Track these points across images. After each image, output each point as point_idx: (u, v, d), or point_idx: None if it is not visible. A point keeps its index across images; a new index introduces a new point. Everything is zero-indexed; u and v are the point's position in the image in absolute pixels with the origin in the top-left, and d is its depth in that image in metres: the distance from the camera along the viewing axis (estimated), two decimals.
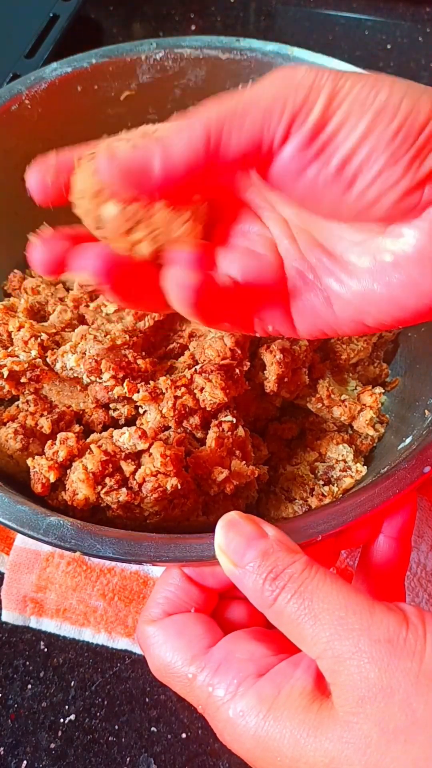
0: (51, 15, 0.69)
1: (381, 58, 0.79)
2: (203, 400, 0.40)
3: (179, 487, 0.37)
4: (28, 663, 0.45)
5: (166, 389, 0.40)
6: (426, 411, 0.40)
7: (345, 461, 0.42)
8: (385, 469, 0.36)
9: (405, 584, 0.46)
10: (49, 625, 0.46)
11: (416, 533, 0.48)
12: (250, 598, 0.29)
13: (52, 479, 0.38)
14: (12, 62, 0.65)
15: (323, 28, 0.82)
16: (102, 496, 0.37)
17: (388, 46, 0.80)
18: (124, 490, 0.37)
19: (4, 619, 0.46)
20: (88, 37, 0.79)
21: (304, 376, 0.44)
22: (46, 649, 0.46)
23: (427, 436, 0.37)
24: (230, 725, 0.28)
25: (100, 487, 0.37)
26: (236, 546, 0.29)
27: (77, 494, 0.37)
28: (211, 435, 0.40)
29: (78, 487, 0.37)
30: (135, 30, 0.82)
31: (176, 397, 0.39)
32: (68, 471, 0.38)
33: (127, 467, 0.38)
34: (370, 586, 0.35)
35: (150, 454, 0.38)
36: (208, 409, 0.40)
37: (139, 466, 0.38)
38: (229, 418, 0.41)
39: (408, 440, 0.39)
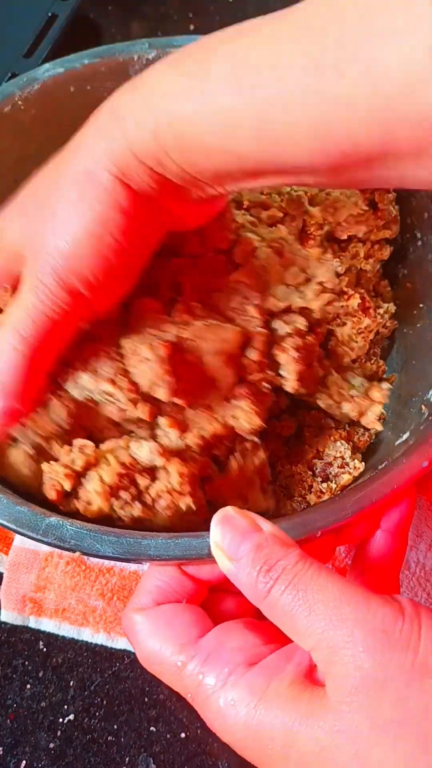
0: (49, 15, 0.69)
1: None
2: (238, 428, 0.38)
3: (194, 508, 0.36)
4: (27, 663, 0.45)
5: None
6: (423, 407, 0.40)
7: (343, 458, 0.42)
8: (383, 465, 0.36)
9: (404, 584, 0.46)
10: (48, 624, 0.46)
11: (415, 532, 0.48)
12: (244, 592, 0.29)
13: (68, 488, 0.36)
14: (10, 62, 0.65)
15: None
16: (116, 510, 0.36)
17: None
18: (138, 504, 0.36)
19: (3, 618, 0.46)
20: (87, 36, 0.79)
21: (318, 370, 0.43)
22: (45, 649, 0.46)
23: (424, 431, 0.37)
24: (221, 715, 0.28)
25: (114, 500, 0.36)
26: (231, 540, 0.29)
27: (91, 505, 0.36)
28: (234, 464, 0.38)
29: (93, 498, 0.35)
30: (133, 30, 0.82)
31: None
32: (82, 479, 0.37)
33: (142, 481, 0.36)
34: (365, 580, 0.35)
35: (167, 471, 0.36)
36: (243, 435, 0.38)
37: (153, 480, 0.36)
38: (254, 438, 0.39)
39: (405, 436, 0.39)
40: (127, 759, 0.42)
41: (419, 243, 0.47)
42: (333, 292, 0.43)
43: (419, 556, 0.47)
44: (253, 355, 0.39)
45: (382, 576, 0.35)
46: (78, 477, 0.36)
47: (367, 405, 0.44)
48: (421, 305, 0.46)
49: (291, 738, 0.26)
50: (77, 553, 0.33)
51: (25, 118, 0.47)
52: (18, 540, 0.48)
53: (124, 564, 0.47)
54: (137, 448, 0.37)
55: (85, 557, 0.46)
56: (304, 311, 0.42)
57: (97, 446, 0.37)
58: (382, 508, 0.35)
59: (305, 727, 0.26)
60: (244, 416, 0.38)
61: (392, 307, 0.48)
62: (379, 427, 0.44)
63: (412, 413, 0.41)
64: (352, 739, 0.25)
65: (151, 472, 0.37)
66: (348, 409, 0.44)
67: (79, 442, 0.37)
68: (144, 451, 0.36)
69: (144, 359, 0.36)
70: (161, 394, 0.36)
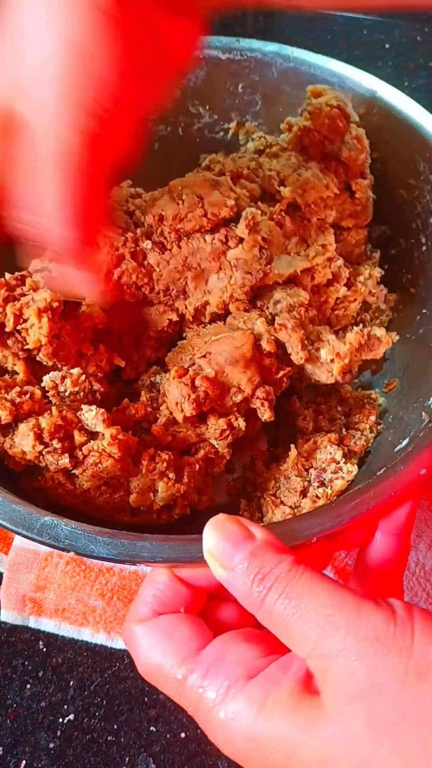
0: None
1: (379, 58, 0.79)
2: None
3: (117, 473, 0.37)
4: (27, 663, 0.46)
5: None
6: (423, 413, 0.40)
7: (336, 462, 0.42)
8: (381, 471, 0.36)
9: (404, 584, 0.46)
10: (48, 624, 0.47)
11: (415, 532, 0.48)
12: (240, 601, 0.29)
13: (3, 421, 0.37)
14: None
15: (322, 27, 0.82)
16: (45, 456, 0.37)
17: (387, 46, 0.80)
18: (66, 456, 0.37)
19: (3, 618, 0.47)
20: None
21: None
22: (45, 649, 0.46)
23: (424, 438, 0.37)
24: (222, 728, 0.28)
25: (43, 447, 0.37)
26: (224, 549, 0.29)
27: (15, 447, 0.37)
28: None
29: (22, 439, 0.37)
30: None
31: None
32: (20, 424, 0.38)
33: (78, 437, 0.37)
34: (367, 583, 0.35)
35: (104, 435, 0.38)
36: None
37: (90, 440, 0.38)
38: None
39: (404, 442, 0.39)
40: (127, 759, 0.42)
41: (423, 248, 0.47)
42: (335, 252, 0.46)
43: (419, 556, 0.47)
44: (267, 346, 0.41)
45: (384, 579, 0.35)
46: (17, 417, 0.38)
47: (343, 349, 0.44)
48: (424, 310, 0.46)
49: (292, 749, 0.26)
50: (71, 553, 0.33)
51: None
52: (18, 540, 0.49)
53: (122, 564, 0.47)
54: (86, 411, 0.38)
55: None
56: (304, 278, 0.45)
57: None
58: (378, 514, 0.35)
59: (305, 737, 0.26)
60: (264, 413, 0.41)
61: (377, 272, 0.49)
62: (338, 378, 0.44)
63: (412, 419, 0.41)
64: (351, 747, 0.25)
65: (93, 435, 0.38)
66: (324, 354, 0.44)
67: (28, 388, 0.39)
68: (90, 416, 0.38)
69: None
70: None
